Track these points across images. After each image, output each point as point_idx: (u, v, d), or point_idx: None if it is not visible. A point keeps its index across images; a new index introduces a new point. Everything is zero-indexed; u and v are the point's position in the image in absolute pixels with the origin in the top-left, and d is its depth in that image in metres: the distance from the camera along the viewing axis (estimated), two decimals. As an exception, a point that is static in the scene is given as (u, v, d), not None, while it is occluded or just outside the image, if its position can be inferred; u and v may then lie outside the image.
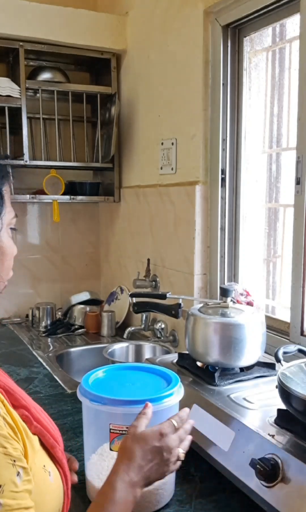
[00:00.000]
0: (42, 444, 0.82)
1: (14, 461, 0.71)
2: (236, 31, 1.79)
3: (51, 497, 0.79)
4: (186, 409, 0.98)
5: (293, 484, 0.93)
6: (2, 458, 0.69)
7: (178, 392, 1.08)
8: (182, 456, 0.89)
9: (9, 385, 0.82)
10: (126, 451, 0.85)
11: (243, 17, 1.68)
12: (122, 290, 2.56)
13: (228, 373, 1.34)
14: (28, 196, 2.41)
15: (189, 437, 0.95)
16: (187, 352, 1.44)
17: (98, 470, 1.09)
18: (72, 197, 2.50)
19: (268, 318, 1.62)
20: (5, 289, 0.95)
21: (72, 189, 2.56)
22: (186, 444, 0.92)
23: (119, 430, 0.99)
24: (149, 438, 0.86)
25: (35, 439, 0.81)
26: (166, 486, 1.10)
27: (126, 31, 2.40)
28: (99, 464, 1.10)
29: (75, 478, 0.96)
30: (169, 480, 1.11)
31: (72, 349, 2.23)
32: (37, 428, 0.82)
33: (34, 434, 0.81)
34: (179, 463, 0.91)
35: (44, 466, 0.80)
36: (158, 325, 2.18)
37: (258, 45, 1.78)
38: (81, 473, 1.01)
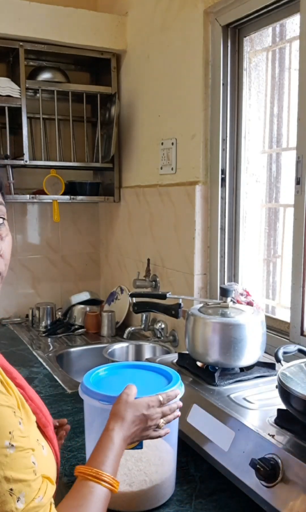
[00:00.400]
0: (37, 422, 0.91)
1: (14, 412, 0.78)
2: (236, 31, 1.79)
3: (45, 466, 0.84)
4: (177, 391, 1.07)
5: (293, 484, 0.93)
6: (5, 409, 0.77)
7: (179, 390, 1.09)
8: (161, 425, 1.02)
9: (6, 366, 0.90)
10: (119, 413, 0.98)
11: (243, 17, 1.68)
12: (122, 290, 2.56)
13: (228, 373, 1.34)
14: (28, 196, 2.41)
15: (176, 413, 1.06)
16: (187, 352, 1.44)
17: None
18: (72, 197, 2.50)
19: (268, 318, 1.62)
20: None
21: (72, 189, 2.56)
22: (169, 418, 1.04)
23: None
24: (139, 407, 0.99)
25: (33, 416, 0.89)
26: (166, 484, 1.11)
27: (126, 31, 2.40)
28: None
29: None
30: (170, 478, 1.12)
31: (72, 349, 2.23)
32: (31, 406, 0.90)
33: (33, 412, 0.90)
34: (160, 432, 1.03)
35: (37, 440, 0.87)
36: (158, 325, 2.18)
37: (258, 45, 1.78)
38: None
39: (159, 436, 1.03)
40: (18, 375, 0.91)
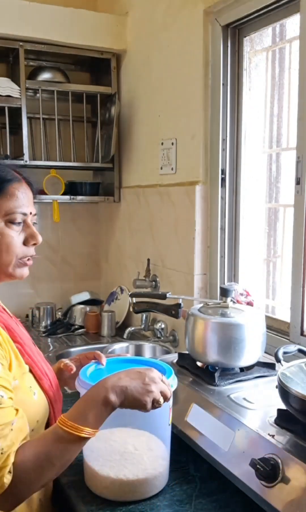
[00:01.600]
0: (33, 374, 1.08)
1: None
2: (236, 31, 1.79)
3: (35, 410, 1.04)
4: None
5: (293, 484, 0.93)
6: None
7: (172, 383, 1.11)
8: (160, 402, 1.00)
9: (9, 325, 1.07)
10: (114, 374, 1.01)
11: (243, 17, 1.68)
12: (122, 290, 2.56)
13: (228, 373, 1.34)
14: (28, 196, 2.41)
15: (168, 395, 1.03)
16: (187, 352, 1.44)
17: (96, 452, 1.14)
18: (72, 197, 2.50)
19: (268, 318, 1.62)
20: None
21: (72, 189, 2.56)
22: (167, 394, 1.01)
23: None
24: (141, 369, 1.03)
25: (26, 366, 1.06)
26: (160, 475, 1.14)
27: (126, 31, 2.40)
28: (96, 446, 1.14)
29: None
30: (163, 468, 1.15)
31: (72, 349, 2.23)
32: (28, 360, 1.07)
33: (26, 363, 1.06)
34: (153, 406, 0.99)
35: (30, 387, 1.05)
36: (158, 325, 2.18)
37: (258, 45, 1.78)
38: (79, 456, 1.07)
39: (149, 410, 0.99)
40: (22, 334, 1.10)
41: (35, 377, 1.08)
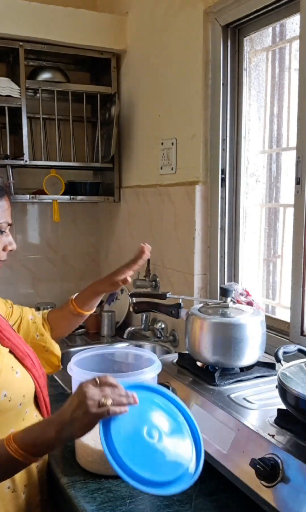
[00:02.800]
0: (15, 356, 1.21)
1: None
2: (236, 31, 1.79)
3: (19, 385, 1.17)
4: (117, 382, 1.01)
5: (293, 484, 0.93)
6: None
7: (153, 369, 1.23)
8: (106, 403, 0.95)
9: None
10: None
11: (243, 17, 1.68)
12: (122, 290, 2.56)
13: (228, 373, 1.34)
14: (28, 196, 2.41)
15: (128, 400, 0.98)
16: (187, 352, 1.44)
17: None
18: (72, 197, 2.50)
19: (268, 318, 1.62)
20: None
21: (72, 189, 2.56)
22: (116, 399, 0.96)
23: None
24: (75, 392, 1.00)
25: (4, 349, 1.19)
26: None
27: (126, 31, 2.40)
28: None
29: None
30: None
31: (72, 349, 2.23)
32: (8, 343, 1.21)
33: (5, 346, 1.20)
34: (108, 408, 0.94)
35: (12, 367, 1.17)
36: (158, 325, 2.18)
37: (258, 45, 1.78)
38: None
39: (109, 413, 0.94)
40: (1, 319, 1.25)
41: (17, 358, 1.21)
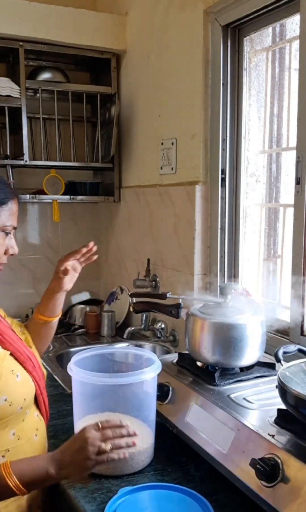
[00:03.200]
0: (16, 359, 1.19)
1: None
2: (236, 31, 1.79)
3: (20, 390, 1.15)
4: (119, 421, 1.07)
5: (293, 484, 0.93)
6: None
7: (153, 369, 1.25)
8: (105, 449, 1.01)
9: None
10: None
11: (243, 17, 1.68)
12: (122, 290, 2.56)
13: (228, 373, 1.34)
14: (28, 196, 2.41)
15: (128, 439, 1.05)
16: (187, 352, 1.44)
17: None
18: (72, 197, 2.50)
19: (268, 318, 1.62)
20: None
21: (72, 189, 2.56)
22: (118, 442, 1.03)
23: None
24: (75, 436, 1.06)
25: (5, 352, 1.16)
26: (144, 451, 1.22)
27: (126, 31, 2.40)
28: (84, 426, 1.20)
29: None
30: (147, 445, 1.25)
31: (72, 349, 2.23)
32: (9, 346, 1.18)
33: (6, 349, 1.17)
34: (104, 456, 1.01)
35: (12, 370, 1.15)
36: (158, 325, 2.18)
37: (258, 45, 1.78)
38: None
39: (109, 460, 1.01)
40: (2, 322, 1.23)
41: (18, 361, 1.19)
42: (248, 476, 1.01)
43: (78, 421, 1.32)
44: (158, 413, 1.35)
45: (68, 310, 2.57)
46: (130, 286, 2.44)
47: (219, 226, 1.89)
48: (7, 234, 1.21)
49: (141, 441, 1.20)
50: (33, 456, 1.10)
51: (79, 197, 2.53)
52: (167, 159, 2.09)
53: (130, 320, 2.50)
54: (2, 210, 1.18)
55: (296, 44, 1.60)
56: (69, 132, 2.53)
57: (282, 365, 1.15)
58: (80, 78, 2.65)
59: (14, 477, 0.99)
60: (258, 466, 0.97)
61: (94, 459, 1.00)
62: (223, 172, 1.85)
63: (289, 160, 1.72)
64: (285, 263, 1.77)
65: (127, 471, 1.21)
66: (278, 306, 1.80)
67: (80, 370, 1.25)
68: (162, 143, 2.12)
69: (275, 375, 1.11)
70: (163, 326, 2.18)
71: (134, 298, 1.71)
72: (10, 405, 1.12)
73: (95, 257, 1.44)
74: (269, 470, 0.96)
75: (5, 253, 1.23)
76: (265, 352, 1.40)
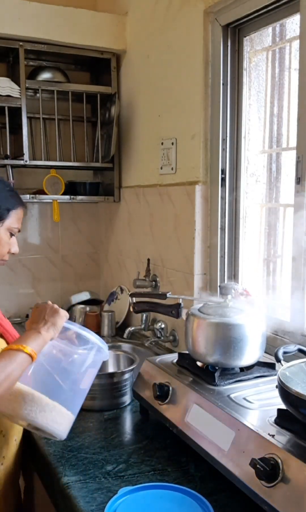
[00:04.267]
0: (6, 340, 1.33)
1: None
2: (236, 31, 1.79)
3: None
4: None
5: (293, 484, 0.93)
6: None
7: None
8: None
9: None
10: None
11: (243, 17, 1.68)
12: (122, 290, 2.56)
13: (228, 373, 1.34)
14: (28, 196, 2.41)
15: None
16: (187, 352, 1.44)
17: None
18: (72, 197, 2.50)
19: (268, 318, 1.62)
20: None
21: (72, 189, 2.56)
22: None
23: None
24: (33, 312, 1.27)
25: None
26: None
27: (126, 31, 2.40)
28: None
29: None
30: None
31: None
32: (1, 329, 1.32)
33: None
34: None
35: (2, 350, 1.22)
36: (158, 325, 2.18)
37: (258, 45, 1.78)
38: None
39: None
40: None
41: (7, 342, 1.32)
42: (248, 476, 1.01)
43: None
44: (158, 413, 1.36)
45: (68, 310, 2.57)
46: (130, 286, 2.44)
47: (219, 226, 1.89)
48: (12, 235, 1.37)
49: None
50: (20, 336, 1.23)
51: (79, 197, 2.53)
52: (167, 159, 2.09)
53: (130, 320, 2.50)
54: (13, 214, 1.34)
55: (296, 44, 1.60)
56: (69, 132, 2.53)
57: (282, 365, 1.15)
58: (80, 78, 2.65)
59: (28, 347, 1.13)
60: (258, 466, 0.97)
61: (53, 305, 1.25)
62: (223, 172, 1.85)
63: (289, 160, 1.72)
64: (285, 263, 1.77)
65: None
66: (278, 306, 1.80)
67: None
68: (162, 143, 2.12)
69: (275, 375, 1.11)
70: (163, 326, 2.18)
71: (134, 298, 1.71)
72: None
73: None
74: (269, 470, 0.96)
75: (8, 252, 1.38)
76: (265, 352, 1.40)
